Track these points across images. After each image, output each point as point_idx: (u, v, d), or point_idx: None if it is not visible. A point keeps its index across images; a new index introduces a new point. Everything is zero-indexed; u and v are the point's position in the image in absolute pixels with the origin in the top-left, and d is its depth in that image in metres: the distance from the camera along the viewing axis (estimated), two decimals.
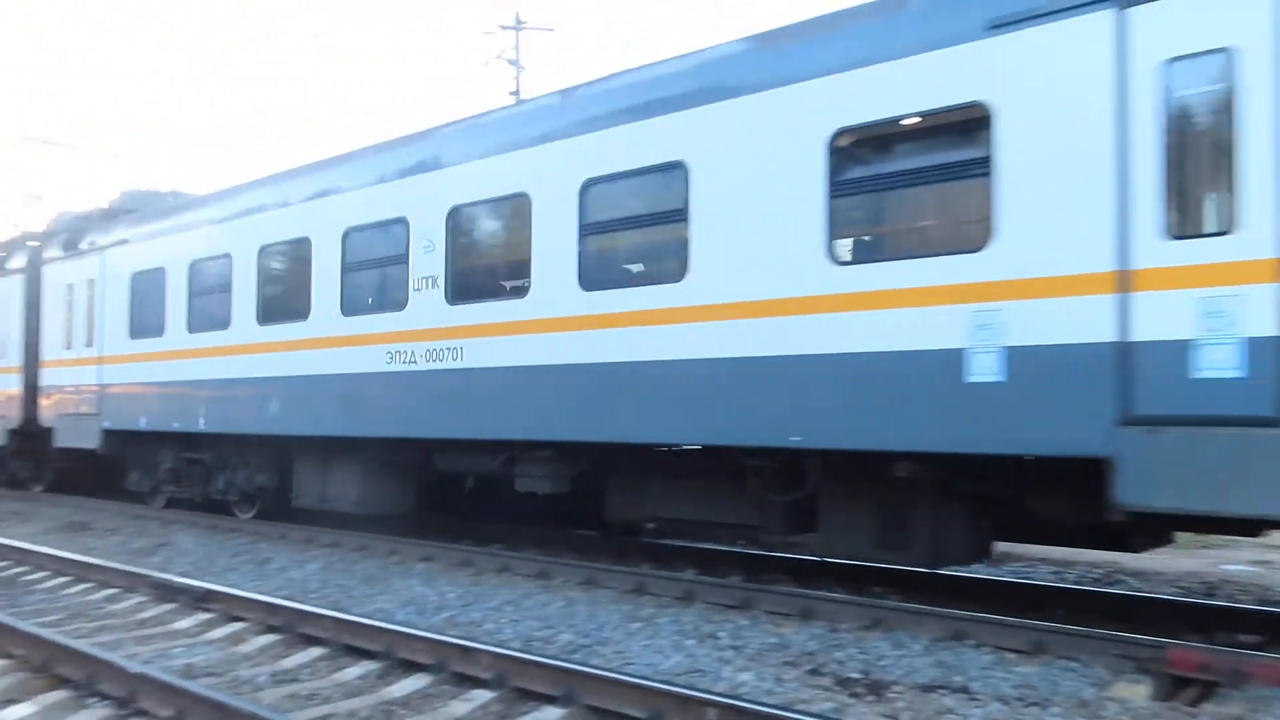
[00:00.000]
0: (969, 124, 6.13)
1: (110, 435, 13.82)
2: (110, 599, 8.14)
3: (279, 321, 11.03)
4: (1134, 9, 5.52)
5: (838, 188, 6.66)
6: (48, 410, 15.26)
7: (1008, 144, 5.94)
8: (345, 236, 10.29)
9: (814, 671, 5.67)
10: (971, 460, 6.34)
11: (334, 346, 10.31)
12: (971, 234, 6.13)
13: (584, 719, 4.89)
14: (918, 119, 6.39)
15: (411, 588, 8.33)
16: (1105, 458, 5.49)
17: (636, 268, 8.10)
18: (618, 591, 7.92)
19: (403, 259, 9.60)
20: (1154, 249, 5.41)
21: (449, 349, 9.14)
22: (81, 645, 5.83)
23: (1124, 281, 5.49)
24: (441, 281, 9.24)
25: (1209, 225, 5.30)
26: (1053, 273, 5.74)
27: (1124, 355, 5.47)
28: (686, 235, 7.44)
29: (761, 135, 7.04)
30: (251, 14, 75.93)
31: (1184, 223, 5.37)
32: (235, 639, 6.69)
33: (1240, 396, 5.11)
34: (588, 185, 8.12)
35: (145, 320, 13.17)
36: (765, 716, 4.32)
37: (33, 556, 9.85)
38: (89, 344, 14.35)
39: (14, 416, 16.02)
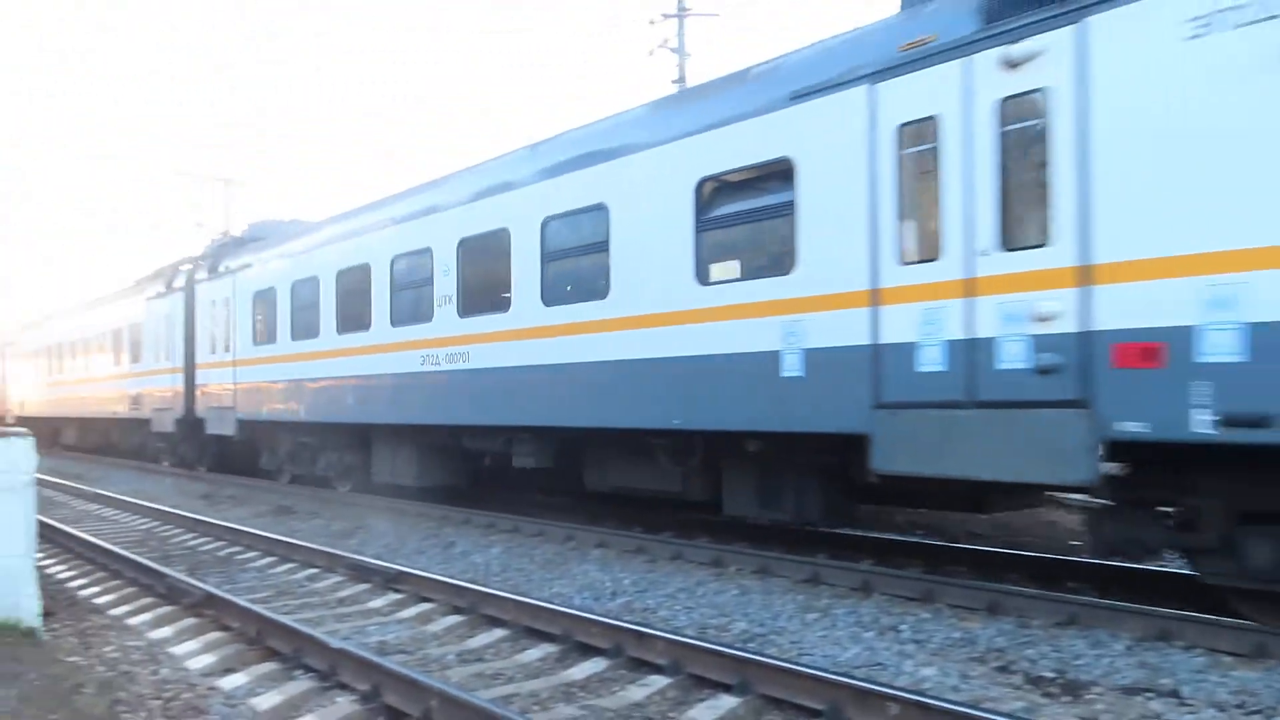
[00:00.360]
0: (781, 174, 7.81)
1: (243, 424, 17.06)
2: (312, 578, 8.68)
3: (351, 331, 13.69)
4: (880, 84, 7.08)
5: (701, 224, 8.46)
6: (201, 403, 18.76)
7: (804, 190, 7.60)
8: (392, 262, 12.78)
9: (1003, 669, 5.44)
10: (809, 437, 7.99)
11: (386, 351, 12.83)
12: (785, 261, 7.80)
13: (759, 709, 4.84)
14: (750, 170, 8.11)
15: (588, 573, 8.54)
16: (866, 434, 7.11)
17: (579, 288, 10.06)
18: (792, 581, 7.88)
19: (429, 281, 11.97)
20: (893, 272, 6.99)
21: (460, 353, 11.44)
22: (289, 621, 6.20)
23: (875, 298, 7.09)
24: (455, 299, 11.54)
25: (923, 254, 6.82)
26: (832, 290, 7.38)
27: (876, 355, 7.07)
28: (609, 262, 9.39)
29: (653, 183, 8.90)
30: (252, 14, 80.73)
31: (909, 251, 6.92)
32: (424, 618, 7.02)
33: (943, 385, 6.66)
34: (547, 221, 10.19)
35: (263, 330, 16.25)
36: (950, 714, 4.15)
37: (245, 537, 10.76)
38: (226, 349, 17.64)
39: (178, 409, 19.67)
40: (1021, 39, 6.26)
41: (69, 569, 9.44)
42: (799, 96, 7.65)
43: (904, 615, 6.68)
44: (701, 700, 4.99)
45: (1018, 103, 6.30)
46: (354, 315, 13.64)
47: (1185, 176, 5.53)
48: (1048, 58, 6.13)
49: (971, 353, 6.51)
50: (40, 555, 8.28)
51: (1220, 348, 5.36)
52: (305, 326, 14.90)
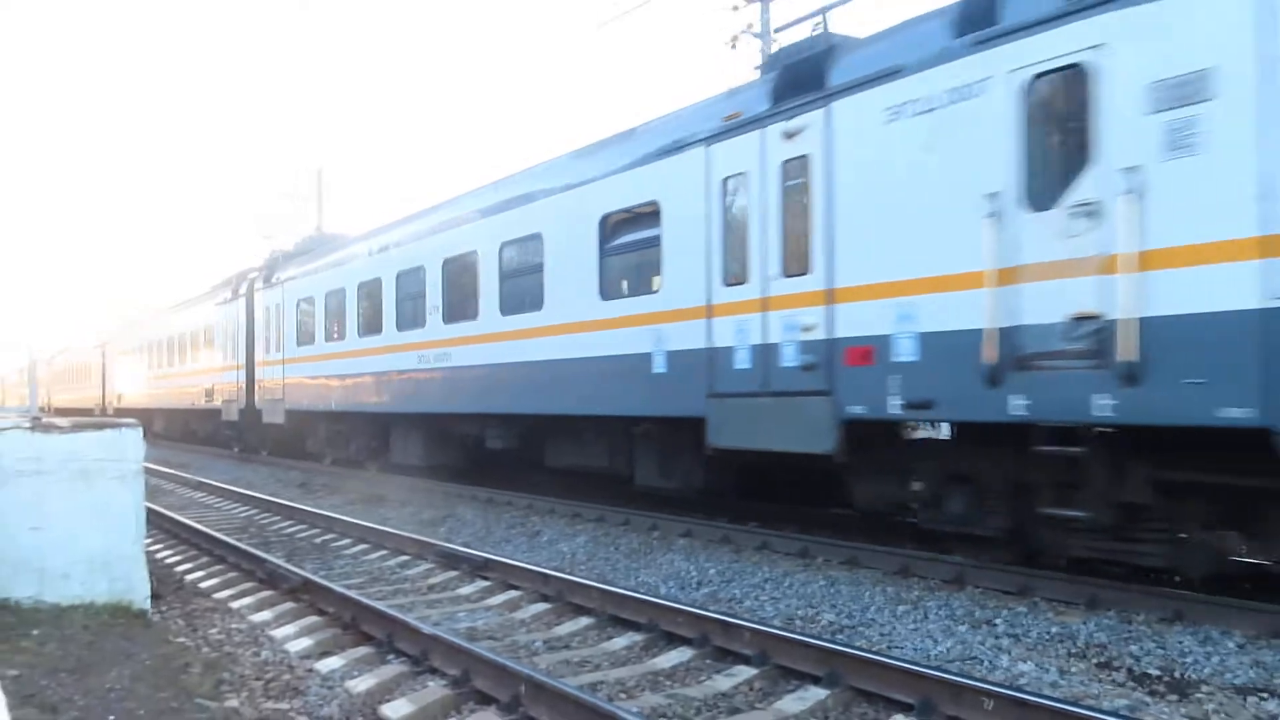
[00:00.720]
0: (652, 214, 9.91)
1: (290, 414, 19.83)
2: (403, 565, 8.94)
3: (368, 334, 16.22)
4: (712, 145, 9.13)
5: (604, 252, 10.62)
6: (259, 396, 21.65)
7: (666, 227, 9.69)
8: (397, 277, 15.24)
9: (1104, 665, 5.32)
10: (677, 420, 10.03)
11: (393, 352, 15.30)
12: (654, 283, 9.91)
13: (849, 701, 4.79)
14: (634, 210, 10.23)
15: (673, 562, 8.60)
16: (704, 417, 9.18)
17: (524, 300, 12.27)
18: (882, 573, 7.74)
19: (423, 294, 14.38)
20: (720, 292, 9.04)
21: (445, 353, 13.81)
22: (382, 606, 6.32)
23: (709, 311, 9.15)
24: (441, 308, 13.92)
25: (737, 278, 8.85)
26: (683, 306, 9.45)
27: (710, 356, 9.14)
28: (543, 280, 11.61)
29: (572, 217, 11.08)
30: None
31: (730, 276, 8.95)
32: (512, 605, 7.16)
33: (749, 379, 8.69)
34: (503, 246, 12.46)
35: (305, 333, 18.97)
36: (1049, 710, 4.06)
37: (339, 524, 11.10)
38: (278, 349, 20.45)
39: (241, 401, 22.63)
40: (794, 116, 8.26)
41: (175, 554, 10.00)
42: (664, 152, 9.75)
43: (999, 609, 6.50)
44: (790, 691, 4.96)
45: (792, 164, 8.30)
46: (370, 321, 16.18)
47: (884, 223, 7.48)
48: (809, 131, 8.12)
49: (766, 355, 8.54)
50: (149, 541, 8.63)
51: (905, 351, 7.30)
52: (335, 330, 17.53)
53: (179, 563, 9.48)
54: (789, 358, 8.31)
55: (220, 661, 5.71)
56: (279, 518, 12.66)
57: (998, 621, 6.22)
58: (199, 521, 11.55)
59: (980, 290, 6.74)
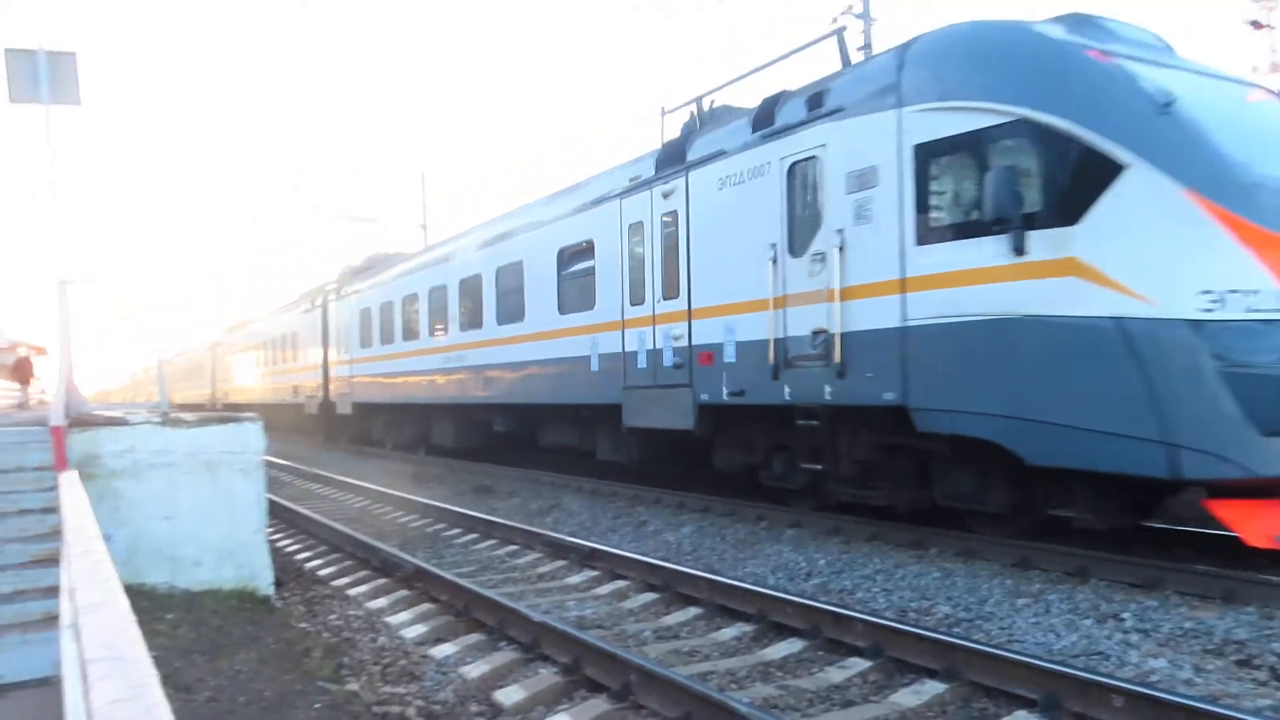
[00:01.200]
0: (589, 249, 12.94)
1: (355, 406, 23.56)
2: (512, 554, 9.08)
3: (410, 340, 19.70)
4: (623, 200, 12.10)
5: (560, 277, 13.70)
6: (332, 391, 25.49)
7: (599, 259, 12.71)
8: (430, 292, 18.65)
9: (1243, 663, 5.07)
10: (606, 406, 13.02)
11: (427, 354, 18.73)
12: (591, 302, 12.93)
13: (968, 696, 4.67)
14: (577, 245, 13.28)
15: (781, 553, 8.48)
16: (620, 404, 12.17)
17: (512, 313, 15.42)
18: (1000, 565, 7.46)
19: (445, 308, 17.74)
20: (629, 310, 12.02)
21: (461, 355, 17.13)
22: (493, 595, 6.37)
23: (623, 324, 12.13)
24: (458, 319, 17.25)
25: (639, 299, 11.80)
26: (608, 320, 12.46)
27: (625, 358, 12.12)
28: (524, 297, 14.76)
29: (541, 249, 14.21)
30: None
31: (634, 298, 11.91)
32: (620, 595, 7.17)
33: (646, 375, 11.65)
34: (498, 270, 15.68)
35: (366, 338, 22.63)
36: (1185, 709, 3.90)
37: (449, 515, 11.49)
38: (346, 352, 24.20)
39: (319, 396, 26.55)
40: (668, 181, 11.18)
41: (295, 543, 10.52)
42: (595, 202, 12.78)
43: (1126, 602, 6.24)
44: (905, 685, 4.91)
45: (667, 217, 11.22)
46: (410, 328, 19.67)
47: (718, 262, 10.34)
48: (676, 193, 11.03)
49: (655, 357, 11.49)
50: (270, 530, 8.91)
51: (730, 354, 10.17)
52: (386, 336, 21.11)
53: (298, 551, 10.09)
54: (668, 359, 11.24)
55: (340, 646, 5.90)
56: (390, 508, 13.22)
57: (1125, 616, 5.98)
58: (316, 512, 12.18)
59: (766, 312, 9.57)
